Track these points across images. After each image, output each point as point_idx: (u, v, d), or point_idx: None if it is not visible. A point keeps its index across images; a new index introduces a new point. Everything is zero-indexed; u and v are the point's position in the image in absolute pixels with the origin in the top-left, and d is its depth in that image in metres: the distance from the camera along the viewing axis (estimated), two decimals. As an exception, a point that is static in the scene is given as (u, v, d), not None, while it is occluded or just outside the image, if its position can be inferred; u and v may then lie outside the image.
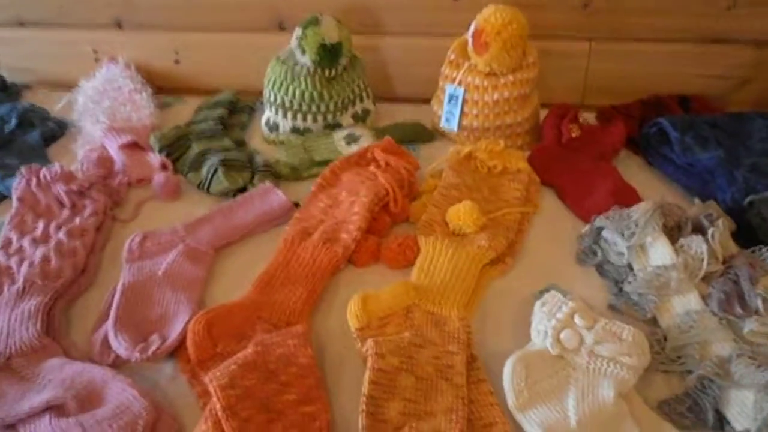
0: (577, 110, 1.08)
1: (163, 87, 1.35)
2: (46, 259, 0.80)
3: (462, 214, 0.82)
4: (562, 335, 0.65)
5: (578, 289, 0.79)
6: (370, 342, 0.64)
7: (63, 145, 1.17)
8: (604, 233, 0.81)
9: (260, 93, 1.24)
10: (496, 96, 1.02)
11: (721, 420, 0.61)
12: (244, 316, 0.71)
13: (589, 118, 1.12)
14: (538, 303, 0.71)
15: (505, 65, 1.00)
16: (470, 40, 1.02)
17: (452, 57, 1.07)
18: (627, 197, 0.90)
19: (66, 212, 0.90)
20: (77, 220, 0.88)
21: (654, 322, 0.73)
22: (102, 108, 1.19)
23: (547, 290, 0.77)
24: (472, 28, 1.01)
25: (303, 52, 1.07)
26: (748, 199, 0.83)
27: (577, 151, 1.01)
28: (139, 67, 1.33)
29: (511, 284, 0.80)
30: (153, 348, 0.67)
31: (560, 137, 1.03)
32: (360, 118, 1.16)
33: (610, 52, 1.18)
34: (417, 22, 1.22)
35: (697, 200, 0.87)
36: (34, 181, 0.92)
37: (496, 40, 0.97)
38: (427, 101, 1.24)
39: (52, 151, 1.16)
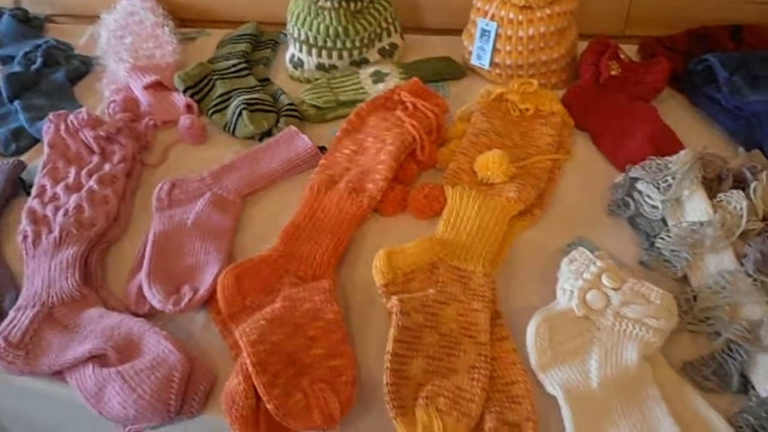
0: (617, 46, 1.02)
1: (184, 18, 1.31)
2: (79, 208, 0.81)
3: (491, 163, 0.80)
4: (588, 296, 0.64)
5: (608, 243, 0.77)
6: (394, 300, 0.64)
7: (89, 83, 1.16)
8: (639, 185, 0.78)
9: (284, 24, 1.20)
10: (531, 31, 0.96)
11: (746, 384, 0.61)
12: (271, 269, 0.72)
13: (630, 51, 1.05)
14: (565, 260, 0.70)
15: (543, -2, 0.94)
16: (505, -30, 0.95)
17: (485, -12, 1.00)
18: (666, 143, 0.86)
19: (96, 158, 0.90)
20: (107, 167, 0.88)
21: (684, 280, 0.71)
22: (124, 44, 1.16)
23: (575, 244, 0.76)
24: (508, -44, 0.94)
25: (327, -17, 1.02)
26: (797, 150, 0.78)
27: (616, 92, 0.96)
28: (159, -1, 1.29)
29: (539, 236, 0.79)
30: (185, 300, 0.69)
31: (598, 76, 0.98)
32: (387, 53, 1.12)
33: (658, -24, 1.09)
34: (448, -54, 1.14)
35: (741, 149, 0.82)
36: (62, 126, 0.92)
37: (533, -30, 0.90)
38: (458, 32, 1.18)
39: (78, 90, 1.16)
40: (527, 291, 0.73)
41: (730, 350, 0.61)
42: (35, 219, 0.81)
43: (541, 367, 0.62)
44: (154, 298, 0.70)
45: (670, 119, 0.92)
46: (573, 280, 0.66)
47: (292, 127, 0.94)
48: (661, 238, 0.72)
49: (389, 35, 1.12)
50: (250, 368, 0.59)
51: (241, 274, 0.70)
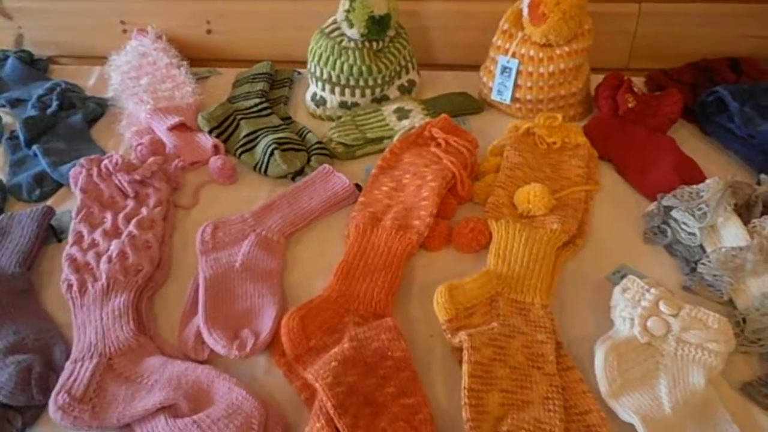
0: (631, 80, 1.07)
1: (194, 58, 1.32)
2: (123, 254, 0.80)
3: (532, 197, 0.83)
4: (649, 323, 0.67)
5: (649, 270, 0.80)
6: (463, 335, 0.66)
7: (106, 125, 1.16)
8: (674, 213, 0.82)
9: (297, 62, 1.22)
10: (551, 68, 1.01)
11: (807, 401, 0.64)
12: (333, 309, 0.72)
13: (637, 83, 1.10)
14: (618, 288, 0.72)
15: (563, 36, 0.98)
16: (526, 11, 0.99)
17: (505, 27, 1.04)
18: (689, 172, 0.90)
19: (131, 203, 0.90)
20: (144, 211, 0.88)
21: (729, 303, 0.75)
22: (141, 85, 1.16)
23: (620, 272, 0.79)
24: (528, -2, 0.98)
25: (351, 25, 1.05)
26: (816, 174, 0.83)
27: (634, 123, 1.01)
28: (169, 38, 1.30)
29: (582, 267, 0.82)
30: (250, 345, 0.69)
31: (616, 108, 1.02)
32: (406, 90, 1.15)
33: (659, 14, 1.16)
34: (460, -14, 1.19)
35: (763, 176, 0.87)
36: (95, 171, 0.91)
37: (554, 11, 0.95)
38: (469, 67, 1.22)
39: (95, 132, 1.15)
40: (581, 320, 0.75)
41: (786, 369, 0.64)
42: (77, 267, 0.80)
43: (612, 395, 0.63)
44: (217, 343, 0.69)
45: (685, 148, 0.97)
46: (631, 308, 0.68)
47: (327, 166, 0.96)
48: (703, 264, 0.76)
49: (408, 72, 1.15)
50: (331, 411, 0.59)
51: (305, 316, 0.70)
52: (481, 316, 0.71)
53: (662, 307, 0.67)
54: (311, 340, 0.69)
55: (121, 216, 0.87)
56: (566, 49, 1.00)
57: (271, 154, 0.98)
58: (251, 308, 0.75)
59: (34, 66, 1.34)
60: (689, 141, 1.01)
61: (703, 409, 0.62)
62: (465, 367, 0.63)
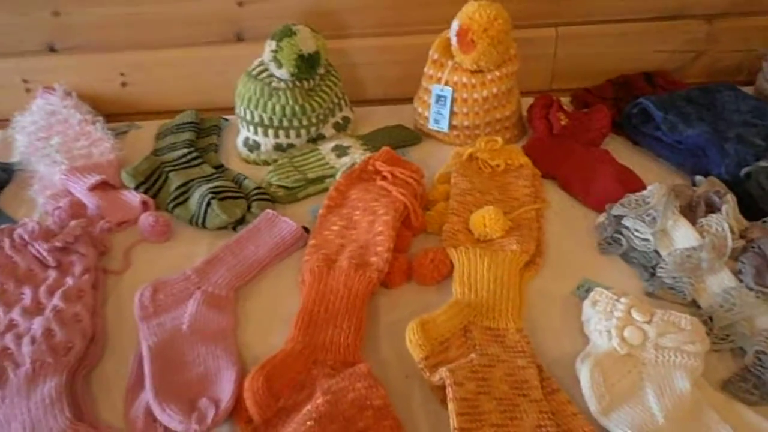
0: (560, 99, 1.10)
1: (110, 113, 1.24)
2: (48, 332, 0.71)
3: (488, 220, 0.81)
4: (626, 333, 0.66)
5: (609, 280, 0.80)
6: (444, 372, 0.62)
7: (14, 193, 1.04)
8: (625, 221, 0.83)
9: (222, 109, 1.17)
10: (485, 93, 1.02)
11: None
12: (299, 363, 0.66)
13: (564, 102, 1.14)
14: (587, 303, 0.71)
15: (492, 61, 1.00)
16: (454, 39, 1.00)
17: (435, 56, 1.05)
18: (630, 180, 0.93)
19: (52, 273, 0.80)
20: (69, 281, 0.78)
21: (693, 303, 0.75)
22: (52, 145, 1.07)
23: (584, 286, 0.79)
24: (455, 26, 0.99)
25: (279, 65, 1.02)
26: (745, 171, 0.88)
27: (569, 140, 1.03)
28: (80, 94, 1.21)
29: (546, 285, 0.80)
30: (210, 416, 0.61)
31: (550, 128, 1.04)
32: (341, 127, 1.12)
33: (575, 36, 1.21)
34: (384, 23, 1.19)
35: (698, 177, 0.90)
36: (6, 243, 0.81)
37: (482, 37, 0.96)
38: (400, 101, 1.22)
39: (2, 201, 1.04)
40: (555, 340, 0.73)
41: (761, 361, 0.65)
42: (-6, 354, 0.69)
43: (602, 412, 0.61)
44: (172, 419, 0.61)
45: (619, 159, 1.00)
46: (605, 321, 0.67)
47: (270, 211, 0.90)
48: (661, 268, 0.77)
49: (341, 109, 1.13)
50: (314, 476, 0.53)
51: (270, 375, 0.63)
52: (456, 348, 0.67)
53: (635, 315, 0.67)
54: (280, 400, 0.63)
55: (42, 289, 0.77)
56: (497, 73, 1.02)
57: (208, 204, 0.92)
58: (206, 374, 0.67)
59: (-76, 135, 1.20)
60: (621, 152, 1.04)
61: (693, 414, 0.61)
62: (451, 405, 0.59)
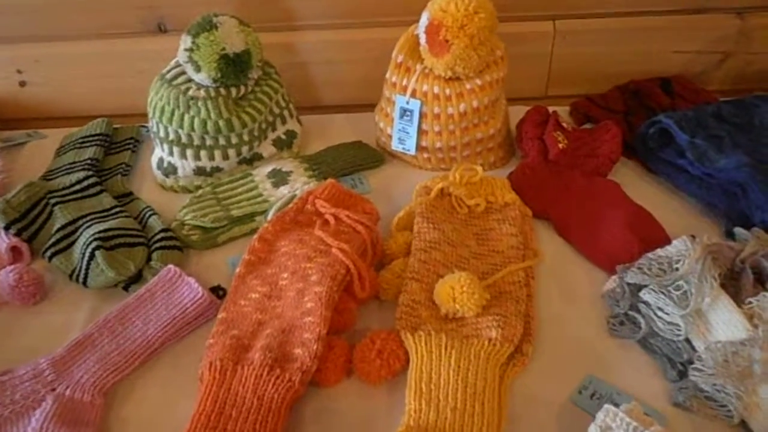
0: (558, 114, 0.88)
1: (6, 118, 1.01)
2: None
3: (457, 293, 0.59)
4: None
5: (621, 377, 0.59)
6: None
7: None
8: (645, 294, 0.61)
9: (143, 116, 0.94)
10: (462, 107, 0.79)
11: None
12: None
13: (561, 114, 0.91)
14: (593, 428, 0.50)
15: (472, 67, 0.77)
16: (423, 38, 0.77)
17: (399, 59, 0.82)
18: (647, 228, 0.71)
19: None
20: None
21: (742, 424, 0.54)
22: None
23: (587, 389, 0.57)
24: (424, 21, 0.77)
25: (197, 68, 0.78)
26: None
27: (568, 167, 0.81)
28: (-34, 96, 0.98)
29: (536, 386, 0.59)
30: None
31: (545, 151, 0.82)
32: (285, 144, 0.90)
33: (577, 32, 0.98)
34: (341, 11, 0.96)
35: (739, 230, 0.68)
36: None
37: (458, 36, 0.73)
38: (361, 107, 1.00)
39: None
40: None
41: None
42: None
43: None
44: None
45: (629, 192, 0.79)
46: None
47: (172, 267, 0.68)
48: (696, 369, 0.55)
49: (284, 122, 0.90)
50: None
51: None
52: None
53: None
54: None
55: None
56: (478, 82, 0.79)
57: (92, 256, 0.69)
58: None
59: None
60: (633, 183, 0.83)
61: None
62: None
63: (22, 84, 1.01)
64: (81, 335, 0.61)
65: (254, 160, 0.87)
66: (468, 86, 0.79)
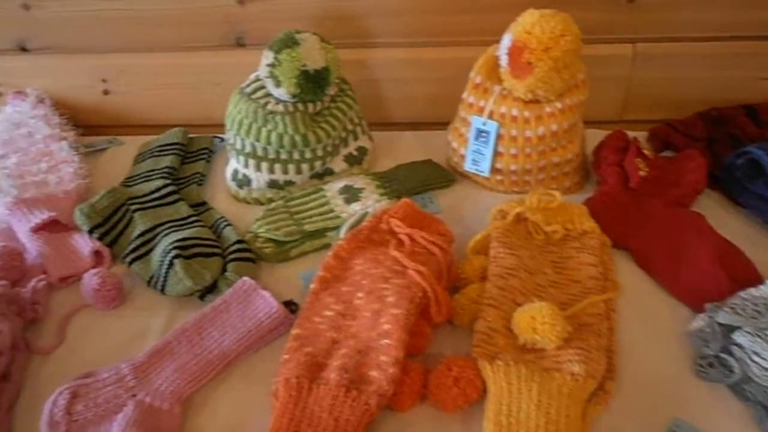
0: (638, 140, 0.85)
1: (89, 125, 1.05)
2: None
3: (539, 323, 0.58)
4: None
5: (710, 422, 0.56)
6: None
7: (-47, 224, 0.86)
8: (738, 336, 0.58)
9: (218, 126, 0.96)
10: (541, 130, 0.78)
11: None
12: None
13: (639, 138, 0.88)
14: (686, 477, 0.47)
15: (554, 90, 0.76)
16: (504, 59, 0.76)
17: (477, 80, 0.81)
18: (737, 265, 0.68)
19: (-49, 356, 0.60)
20: (-32, 371, 0.59)
21: None
22: (6, 166, 0.88)
23: (676, 435, 0.54)
24: (507, 42, 0.76)
25: (277, 83, 0.80)
26: None
27: (650, 197, 0.78)
28: (56, 102, 1.02)
29: (619, 424, 0.56)
30: None
31: (625, 179, 0.80)
32: (355, 161, 0.90)
33: (658, 56, 0.95)
34: (414, 30, 0.96)
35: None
36: None
37: (543, 59, 0.72)
38: (428, 125, 0.99)
39: (-63, 233, 0.85)
40: None
41: None
42: None
43: None
44: None
45: (715, 225, 0.75)
46: None
47: (247, 280, 0.69)
48: (798, 422, 0.52)
49: (356, 138, 0.90)
50: None
51: None
52: None
53: None
54: None
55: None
56: (558, 105, 0.77)
57: (170, 264, 0.71)
58: None
59: None
60: (717, 215, 0.79)
61: None
62: None
63: (106, 92, 1.05)
64: (160, 343, 0.62)
65: (325, 174, 0.88)
66: (548, 109, 0.77)
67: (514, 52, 0.74)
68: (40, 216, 0.79)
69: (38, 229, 0.78)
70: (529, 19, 0.73)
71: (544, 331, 0.57)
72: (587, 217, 0.74)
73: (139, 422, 0.54)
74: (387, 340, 0.58)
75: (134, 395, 0.57)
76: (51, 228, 0.79)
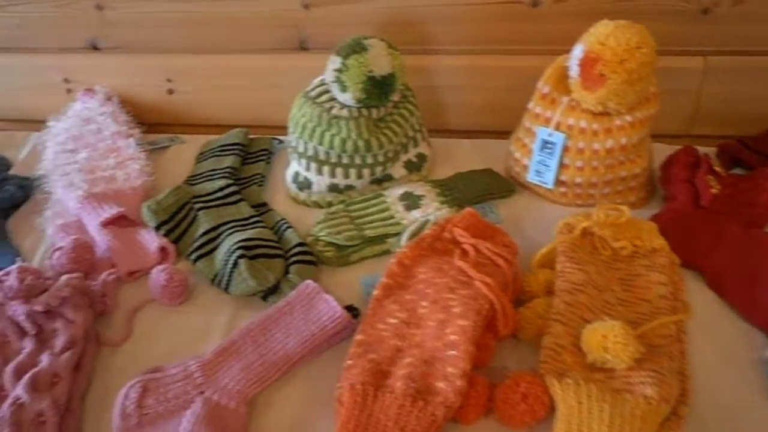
0: (709, 156, 0.82)
1: (153, 123, 1.08)
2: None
3: (611, 342, 0.56)
4: None
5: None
6: None
7: (26, 215, 0.89)
8: (822, 367, 0.55)
9: (278, 128, 0.97)
10: (609, 143, 0.76)
11: None
12: None
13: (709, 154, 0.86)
14: None
15: (626, 103, 0.74)
16: (575, 70, 0.75)
17: (545, 90, 0.80)
18: (816, 291, 0.65)
19: (28, 345, 0.63)
20: (44, 360, 0.61)
21: None
22: (77, 163, 0.91)
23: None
24: (578, 53, 0.74)
25: (343, 88, 0.80)
26: None
27: (722, 215, 0.75)
28: (123, 99, 1.06)
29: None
30: None
31: (695, 196, 0.77)
32: (415, 167, 0.90)
33: (729, 69, 0.92)
34: (475, 38, 0.95)
35: None
36: (-19, 299, 0.65)
37: (617, 71, 0.71)
38: (486, 134, 0.98)
39: (12, 223, 0.89)
40: None
41: None
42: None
43: None
44: None
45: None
46: None
47: (311, 283, 0.69)
48: None
49: (416, 145, 0.90)
50: None
51: None
52: None
53: None
54: None
55: (10, 368, 0.60)
56: (628, 118, 0.76)
57: (235, 264, 0.72)
58: None
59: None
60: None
61: None
62: None
63: (170, 92, 1.08)
64: (226, 342, 0.63)
65: (384, 180, 0.88)
66: (617, 122, 0.76)
67: (587, 63, 0.72)
68: (110, 211, 0.81)
69: (107, 224, 0.80)
70: (603, 30, 0.71)
71: (615, 350, 0.56)
72: (657, 234, 0.72)
73: (207, 419, 0.55)
74: (454, 351, 0.57)
75: (202, 392, 0.58)
76: (119, 223, 0.82)
